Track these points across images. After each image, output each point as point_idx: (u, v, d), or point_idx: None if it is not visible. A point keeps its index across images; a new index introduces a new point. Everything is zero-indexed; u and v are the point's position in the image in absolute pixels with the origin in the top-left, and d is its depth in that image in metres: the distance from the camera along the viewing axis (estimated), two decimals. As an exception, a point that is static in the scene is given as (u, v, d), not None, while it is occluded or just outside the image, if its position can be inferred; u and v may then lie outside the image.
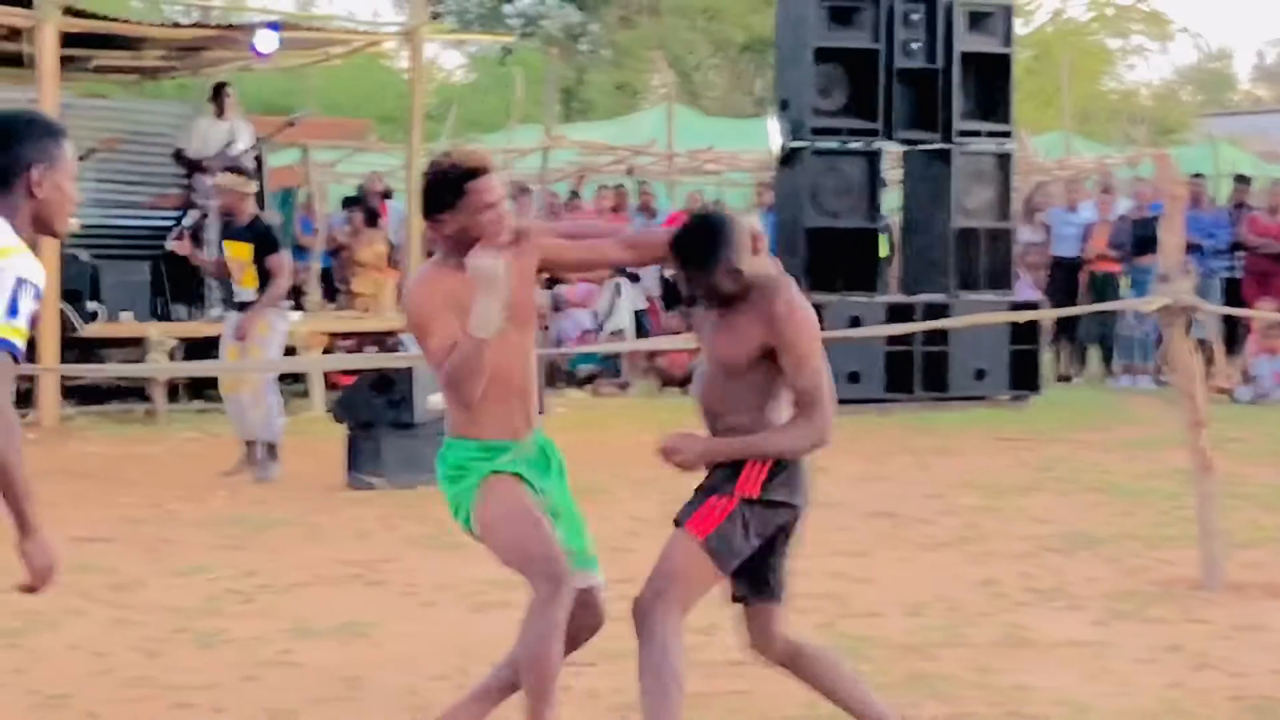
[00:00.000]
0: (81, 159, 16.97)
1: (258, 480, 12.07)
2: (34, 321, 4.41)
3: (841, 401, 16.89)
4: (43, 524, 4.48)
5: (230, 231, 12.51)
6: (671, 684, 5.28)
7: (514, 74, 31.19)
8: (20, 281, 4.33)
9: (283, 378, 13.67)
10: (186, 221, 17.05)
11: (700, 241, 5.36)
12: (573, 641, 5.60)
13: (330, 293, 19.82)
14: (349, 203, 20.51)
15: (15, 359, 4.35)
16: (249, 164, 16.52)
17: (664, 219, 21.40)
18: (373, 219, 19.72)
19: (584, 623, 5.69)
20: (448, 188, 5.42)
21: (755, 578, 5.52)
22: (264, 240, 12.43)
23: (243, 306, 12.33)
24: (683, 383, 18.45)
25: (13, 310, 4.30)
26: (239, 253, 12.33)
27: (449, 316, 5.35)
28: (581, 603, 5.61)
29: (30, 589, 4.58)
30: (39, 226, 4.53)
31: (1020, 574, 8.80)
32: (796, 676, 5.65)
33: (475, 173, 5.42)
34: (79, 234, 17.09)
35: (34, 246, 4.53)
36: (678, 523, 5.43)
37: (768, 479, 5.37)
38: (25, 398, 15.07)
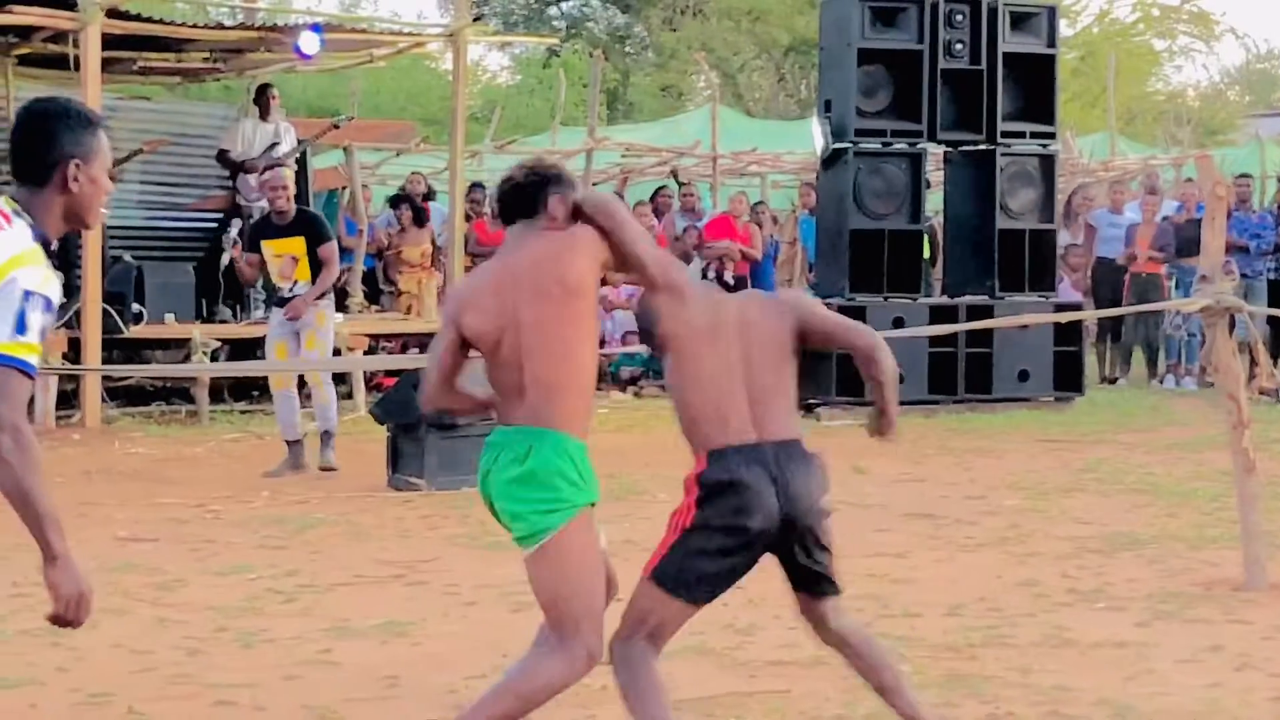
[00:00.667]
0: (125, 161, 17.19)
1: (320, 469, 12.36)
2: (44, 333, 4.31)
3: (884, 403, 16.72)
4: (70, 551, 4.29)
5: (276, 229, 12.62)
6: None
7: (558, 76, 31.27)
8: (28, 294, 4.20)
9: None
10: (236, 229, 17.10)
11: None
12: None
13: (373, 295, 19.89)
14: (396, 201, 20.55)
15: (29, 376, 4.22)
16: (292, 166, 16.63)
17: (707, 221, 21.43)
18: (420, 218, 19.75)
19: None
20: (529, 194, 5.38)
21: (798, 580, 5.51)
22: (316, 230, 12.62)
23: (292, 302, 12.47)
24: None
25: (20, 326, 4.18)
26: (290, 247, 12.43)
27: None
28: None
29: (58, 619, 4.34)
30: (70, 220, 4.45)
31: (1062, 575, 8.78)
32: (852, 667, 5.65)
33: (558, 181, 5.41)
34: (123, 235, 17.24)
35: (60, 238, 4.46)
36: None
37: (698, 505, 5.26)
38: (69, 398, 15.19)
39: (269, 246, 12.58)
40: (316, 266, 12.47)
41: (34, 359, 4.21)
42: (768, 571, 8.72)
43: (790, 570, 5.48)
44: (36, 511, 4.21)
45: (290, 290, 12.50)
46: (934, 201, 19.36)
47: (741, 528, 5.26)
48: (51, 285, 4.27)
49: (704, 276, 20.23)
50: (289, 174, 13.11)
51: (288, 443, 12.48)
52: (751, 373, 5.50)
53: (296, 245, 12.42)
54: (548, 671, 5.29)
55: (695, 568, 5.29)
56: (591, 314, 5.27)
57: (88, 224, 4.52)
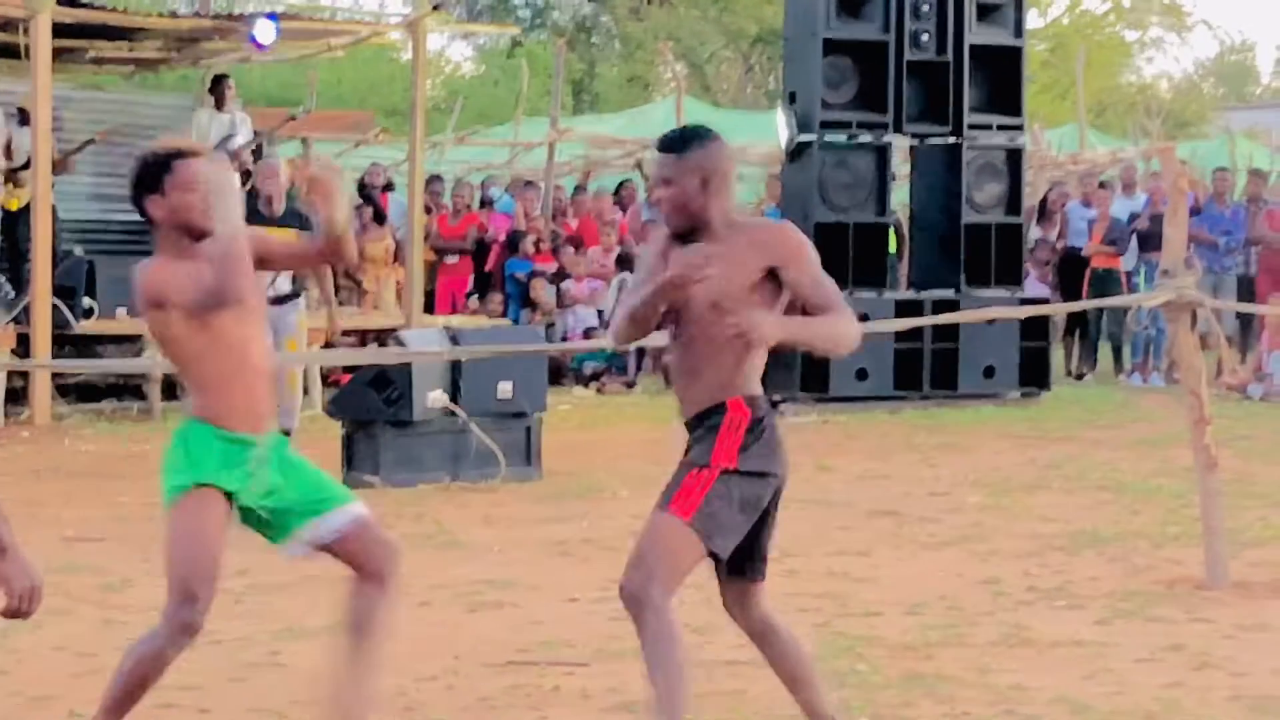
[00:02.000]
0: (77, 151, 17.14)
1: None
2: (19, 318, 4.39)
3: (849, 399, 16.93)
4: (18, 544, 4.36)
5: (265, 219, 12.63)
6: (682, 664, 5.32)
7: (522, 66, 31.23)
8: None
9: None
10: None
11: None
12: (379, 577, 5.78)
13: (336, 290, 19.83)
14: (359, 199, 20.46)
15: None
16: (248, 158, 16.59)
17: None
18: (379, 215, 19.72)
19: (380, 553, 5.86)
20: None
21: (740, 557, 5.52)
22: (307, 224, 12.66)
23: (274, 300, 12.52)
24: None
25: None
26: (284, 236, 12.46)
27: None
28: (362, 536, 5.83)
29: (12, 613, 4.43)
30: None
31: (1023, 573, 8.81)
32: (762, 653, 5.70)
33: None
34: (74, 229, 17.18)
35: None
36: (661, 505, 5.41)
37: (743, 447, 5.37)
38: (18, 395, 15.12)
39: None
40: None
41: None
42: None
43: (740, 551, 5.46)
44: None
45: (271, 284, 12.54)
46: (900, 194, 19.37)
47: (771, 474, 5.42)
48: None
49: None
50: (283, 163, 13.17)
51: None
52: None
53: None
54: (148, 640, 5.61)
55: (729, 515, 5.37)
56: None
57: None
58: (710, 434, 5.41)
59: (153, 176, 5.56)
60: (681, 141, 5.61)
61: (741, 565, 5.54)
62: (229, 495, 5.60)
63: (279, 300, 12.65)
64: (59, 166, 17.01)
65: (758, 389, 5.52)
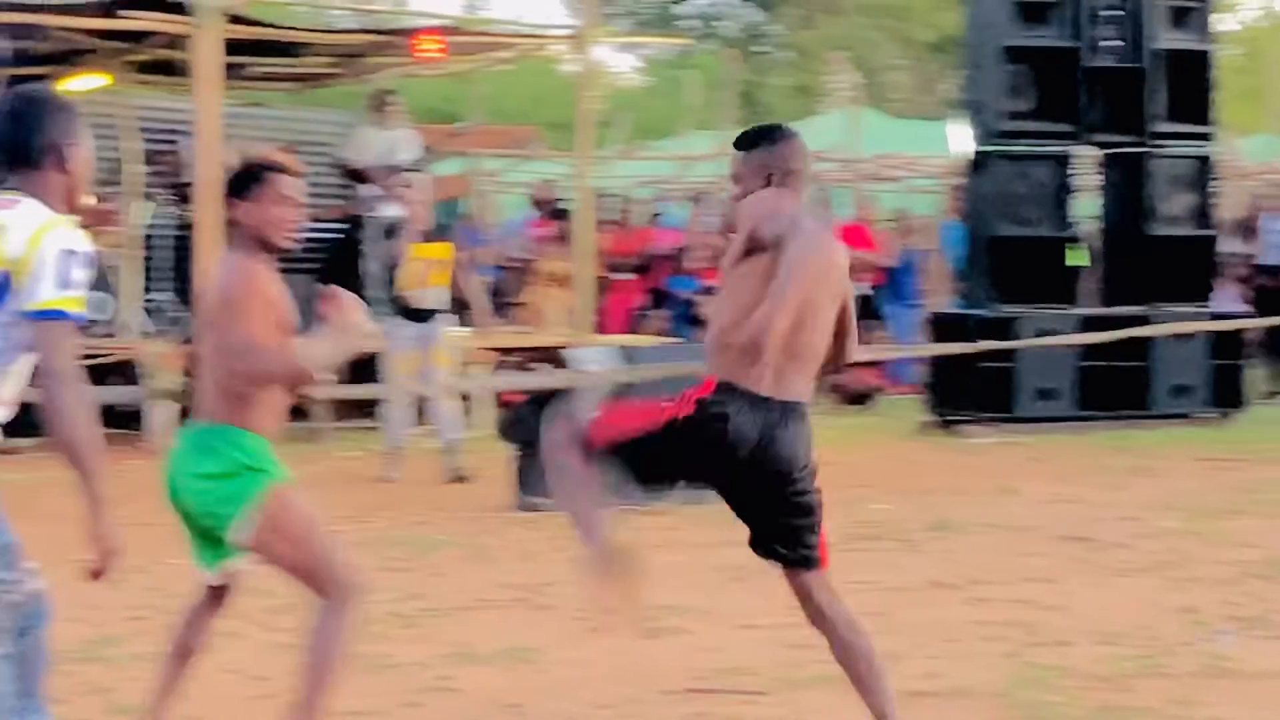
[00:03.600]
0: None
1: (450, 481, 12.86)
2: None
3: (1033, 420, 16.81)
4: (111, 505, 4.66)
5: (418, 233, 12.95)
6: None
7: (689, 77, 31.28)
8: (66, 253, 4.61)
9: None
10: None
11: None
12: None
13: (497, 306, 19.95)
14: (552, 213, 20.38)
15: (79, 327, 4.65)
16: (413, 173, 16.75)
17: (843, 227, 21.35)
18: (567, 235, 19.58)
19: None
20: None
21: (767, 540, 6.00)
22: (457, 236, 13.02)
23: (421, 314, 12.77)
24: (862, 399, 18.41)
25: (64, 282, 4.61)
26: (434, 251, 12.68)
27: None
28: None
29: (96, 574, 4.75)
30: (69, 202, 4.82)
31: (1222, 601, 8.68)
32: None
33: None
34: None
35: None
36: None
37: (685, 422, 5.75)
38: (188, 415, 15.35)
39: (417, 249, 12.91)
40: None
41: (77, 311, 4.65)
42: (912, 598, 8.70)
43: (771, 535, 5.97)
44: (87, 464, 4.68)
45: (423, 297, 12.82)
46: (1084, 206, 19.17)
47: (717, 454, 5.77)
48: (86, 244, 4.70)
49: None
50: (429, 180, 13.46)
51: (390, 450, 12.77)
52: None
53: (440, 250, 12.70)
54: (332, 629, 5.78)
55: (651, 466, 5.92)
56: None
57: (79, 207, 4.89)
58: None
59: (245, 183, 5.83)
60: (748, 139, 5.98)
61: (772, 548, 6.00)
62: None
63: (426, 314, 12.92)
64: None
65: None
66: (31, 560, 4.80)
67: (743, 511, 6.00)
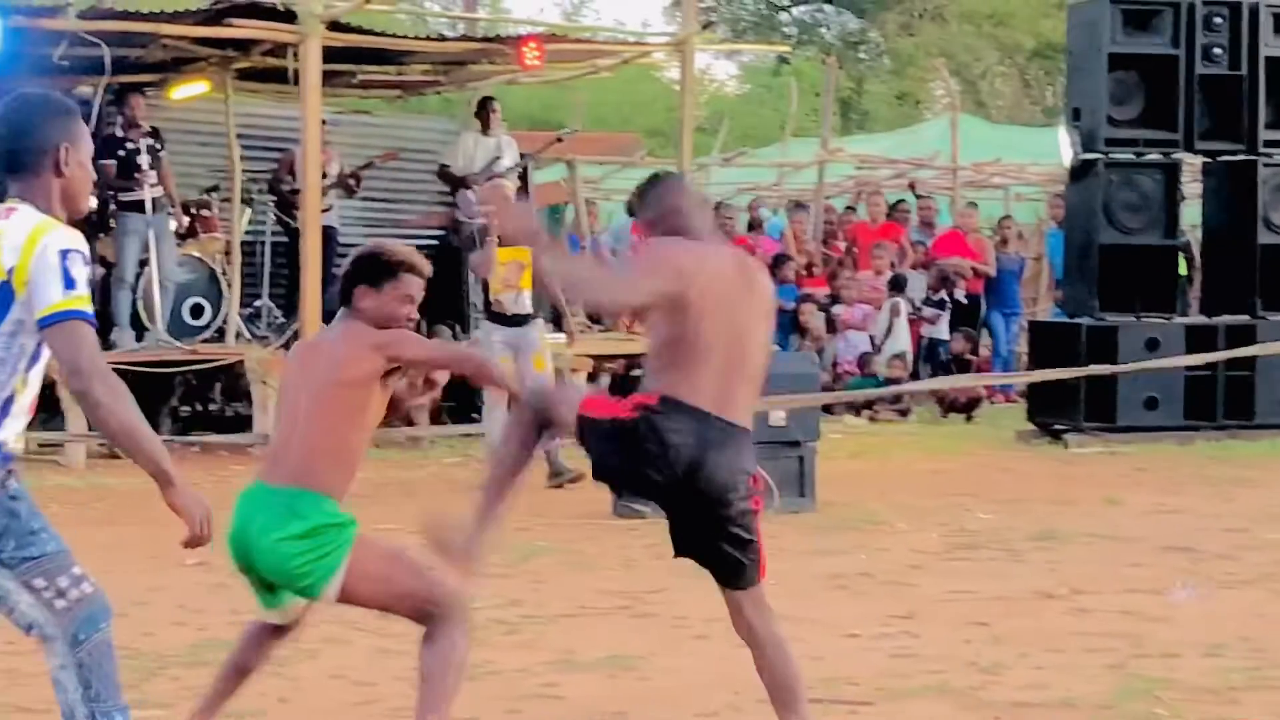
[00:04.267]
0: (363, 170, 17.56)
1: (557, 485, 12.84)
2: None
3: (1137, 429, 16.67)
4: (182, 474, 4.72)
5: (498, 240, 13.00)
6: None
7: (789, 84, 31.28)
8: (64, 253, 4.64)
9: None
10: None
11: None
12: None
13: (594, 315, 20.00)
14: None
15: (92, 324, 4.67)
16: (515, 181, 16.84)
17: (936, 237, 21.29)
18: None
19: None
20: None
21: (699, 557, 5.92)
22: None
23: (513, 319, 12.80)
24: (965, 408, 18.35)
25: (69, 283, 4.63)
26: (518, 254, 12.69)
27: None
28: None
29: (193, 540, 4.78)
30: (67, 206, 4.86)
31: (1330, 614, 8.62)
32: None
33: None
34: (342, 253, 17.52)
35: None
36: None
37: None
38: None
39: (502, 253, 12.97)
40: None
41: (88, 308, 4.67)
42: (1016, 608, 8.68)
43: (704, 556, 5.89)
44: (144, 446, 4.69)
45: (515, 301, 12.82)
46: (1190, 215, 19.04)
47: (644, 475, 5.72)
48: (80, 241, 4.71)
49: (932, 295, 20.10)
50: (510, 186, 13.45)
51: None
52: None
53: (526, 254, 12.71)
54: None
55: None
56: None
57: (79, 210, 4.94)
58: None
59: (379, 273, 5.92)
60: (630, 209, 6.69)
61: (708, 565, 5.91)
62: None
63: (519, 320, 12.95)
64: (348, 185, 17.43)
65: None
66: (80, 566, 4.81)
67: (677, 528, 5.91)
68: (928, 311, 19.94)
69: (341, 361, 5.78)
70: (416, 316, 6.11)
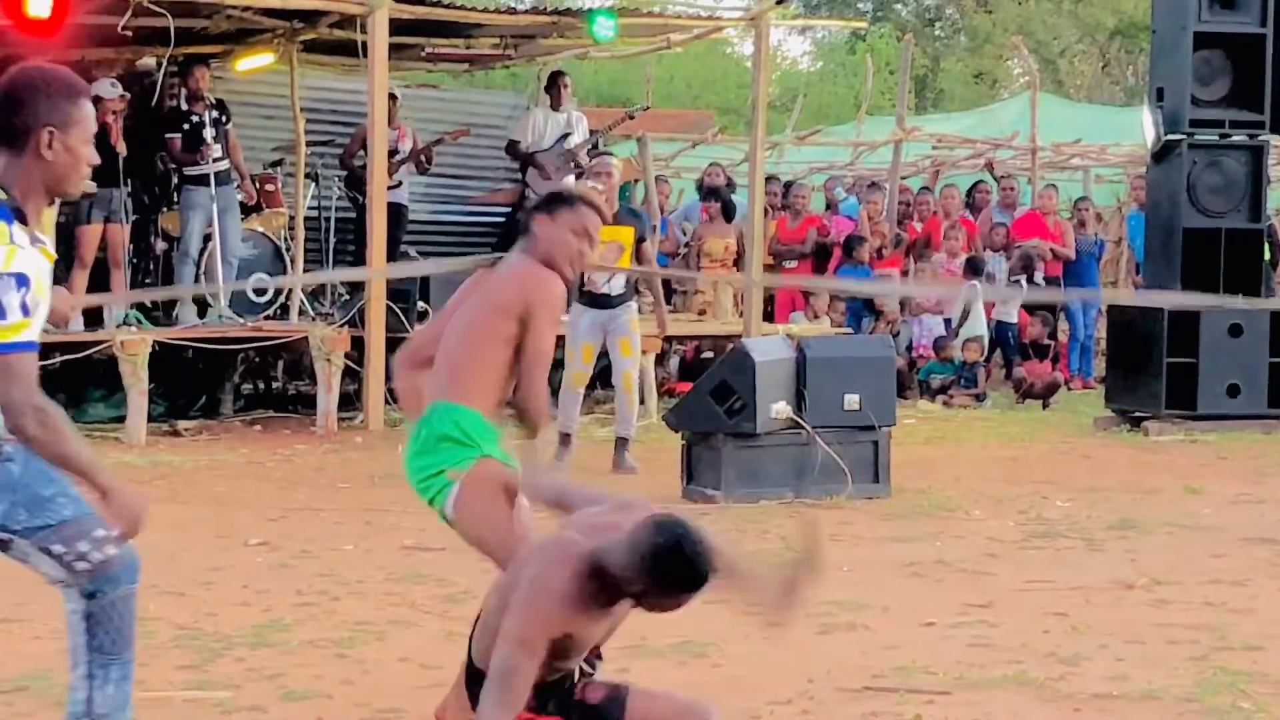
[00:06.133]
0: (436, 144, 17.61)
1: (619, 472, 12.81)
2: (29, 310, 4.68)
3: (1219, 417, 16.60)
4: (113, 481, 4.84)
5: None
6: None
7: (864, 61, 31.18)
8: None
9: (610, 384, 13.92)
10: None
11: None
12: None
13: (665, 294, 19.97)
14: (705, 192, 20.41)
15: (27, 352, 4.67)
16: (584, 158, 16.83)
17: (1015, 218, 21.18)
18: (729, 211, 19.55)
19: None
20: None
21: None
22: (643, 224, 12.95)
23: (604, 300, 12.77)
24: (1043, 394, 18.28)
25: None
26: (617, 235, 12.67)
27: None
28: None
29: (124, 538, 4.94)
30: (50, 188, 4.87)
31: None
32: None
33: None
34: (409, 230, 17.58)
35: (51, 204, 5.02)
36: None
37: None
38: (351, 400, 15.54)
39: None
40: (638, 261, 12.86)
41: (21, 337, 4.65)
42: (1095, 598, 8.63)
43: None
44: (78, 467, 4.81)
45: (608, 282, 12.77)
46: (1275, 199, 18.92)
47: None
48: (17, 259, 4.65)
49: (1011, 277, 20.02)
50: (616, 163, 13.41)
51: (562, 434, 12.77)
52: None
53: (625, 234, 12.69)
54: None
55: None
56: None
57: (66, 193, 4.97)
58: None
59: (556, 202, 6.20)
60: None
61: None
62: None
63: (610, 301, 12.87)
64: (420, 161, 17.46)
65: None
66: (105, 528, 4.96)
67: None
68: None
69: (496, 288, 6.12)
70: (590, 256, 6.30)
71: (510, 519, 6.03)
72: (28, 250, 4.71)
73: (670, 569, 4.88)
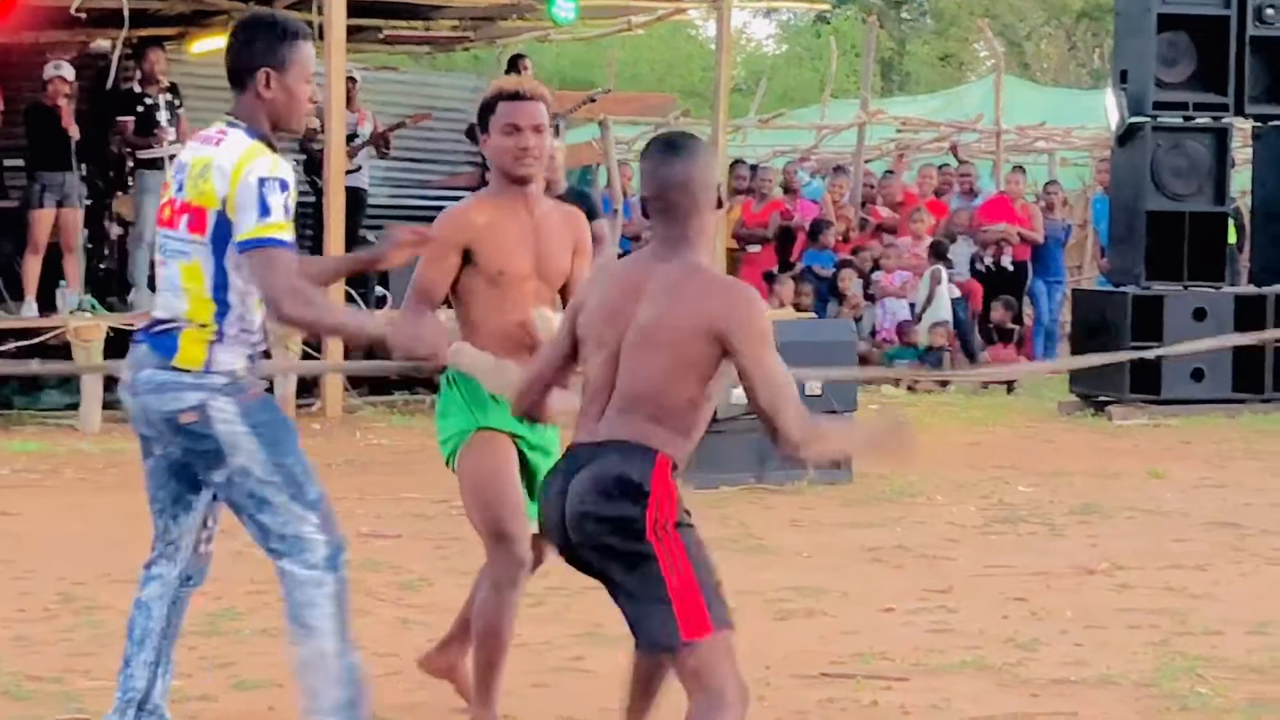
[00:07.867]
0: (392, 130, 17.46)
1: None
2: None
3: (1183, 401, 16.59)
4: (378, 324, 5.60)
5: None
6: None
7: (829, 44, 31.21)
8: (262, 181, 5.10)
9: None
10: None
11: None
12: None
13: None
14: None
15: (286, 248, 5.12)
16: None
17: (981, 201, 21.21)
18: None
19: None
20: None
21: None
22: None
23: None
24: (1007, 380, 18.32)
25: (264, 210, 5.08)
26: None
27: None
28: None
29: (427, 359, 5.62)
30: (275, 124, 5.30)
31: (1379, 592, 8.59)
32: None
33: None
34: (368, 215, 17.53)
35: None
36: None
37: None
38: (309, 386, 15.51)
39: None
40: None
41: (284, 235, 5.12)
42: (1056, 583, 8.66)
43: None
44: (351, 332, 5.73)
45: None
46: (1240, 181, 18.96)
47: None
48: (282, 168, 5.16)
49: (977, 262, 20.04)
50: (559, 144, 13.34)
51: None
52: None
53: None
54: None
55: None
56: None
57: (290, 129, 5.41)
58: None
59: (482, 115, 6.08)
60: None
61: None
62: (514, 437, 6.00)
63: None
64: (379, 145, 17.39)
65: None
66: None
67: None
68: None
69: None
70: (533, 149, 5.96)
71: None
72: (284, 164, 5.21)
73: None
